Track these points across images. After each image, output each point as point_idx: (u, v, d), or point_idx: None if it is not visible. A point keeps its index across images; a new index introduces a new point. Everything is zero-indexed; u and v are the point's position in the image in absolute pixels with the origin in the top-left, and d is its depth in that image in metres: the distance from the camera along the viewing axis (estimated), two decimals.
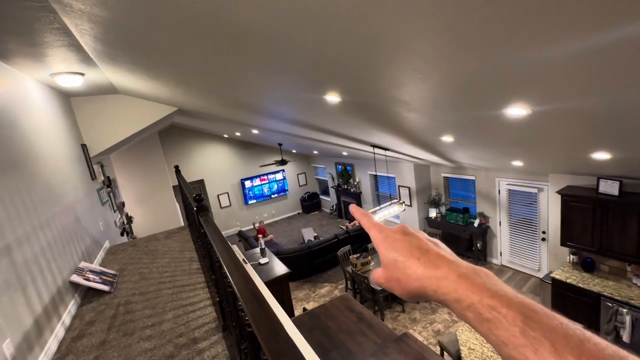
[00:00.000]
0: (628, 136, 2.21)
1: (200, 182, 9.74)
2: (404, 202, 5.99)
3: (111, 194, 5.09)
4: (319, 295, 6.08)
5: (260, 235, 7.86)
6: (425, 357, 1.92)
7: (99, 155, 4.58)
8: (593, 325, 3.72)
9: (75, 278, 2.64)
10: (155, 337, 2.03)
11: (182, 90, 3.64)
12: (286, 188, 11.31)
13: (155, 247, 3.83)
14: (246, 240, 7.40)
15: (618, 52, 1.15)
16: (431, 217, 6.92)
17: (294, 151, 10.89)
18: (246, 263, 3.66)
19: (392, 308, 5.26)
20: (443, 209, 6.86)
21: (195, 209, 2.23)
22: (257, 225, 8.72)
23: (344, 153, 7.97)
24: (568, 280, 3.99)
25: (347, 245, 6.09)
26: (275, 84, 2.66)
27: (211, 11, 1.37)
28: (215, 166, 9.89)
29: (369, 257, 5.46)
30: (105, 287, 2.76)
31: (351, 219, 9.44)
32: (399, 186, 7.45)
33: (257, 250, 4.51)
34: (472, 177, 6.16)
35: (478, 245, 6.05)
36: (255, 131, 7.06)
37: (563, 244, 4.22)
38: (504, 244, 5.89)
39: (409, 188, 7.17)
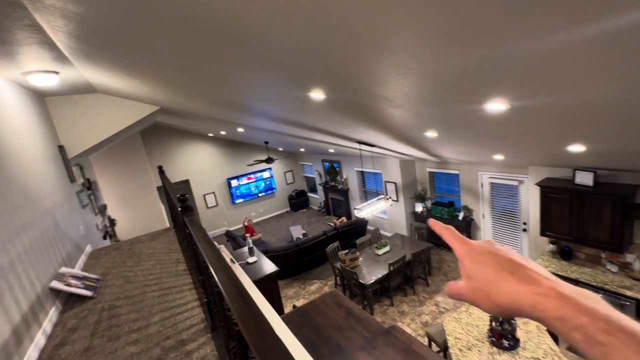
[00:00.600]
0: (602, 129, 2.31)
1: (186, 182, 9.56)
2: (390, 197, 6.07)
3: (92, 197, 4.94)
4: (309, 292, 6.10)
5: (248, 235, 7.81)
6: (412, 349, 1.97)
7: (78, 157, 4.43)
8: None
9: (56, 284, 2.55)
10: (142, 341, 1.99)
11: (164, 89, 3.56)
12: (273, 186, 11.25)
13: (140, 249, 3.74)
14: (234, 239, 7.33)
15: (591, 48, 1.20)
16: (417, 212, 7.04)
17: (280, 149, 10.83)
18: (234, 263, 3.63)
19: (381, 302, 5.34)
20: (429, 203, 6.99)
21: (179, 209, 2.19)
22: (245, 223, 8.64)
23: (331, 150, 7.99)
24: (548, 269, 4.15)
25: (336, 242, 6.12)
26: (258, 81, 2.63)
27: (190, 4, 1.35)
28: (200, 166, 9.73)
29: (357, 253, 5.51)
30: (88, 293, 2.68)
31: (339, 215, 9.50)
32: (386, 182, 7.54)
33: (246, 249, 4.48)
34: (456, 172, 6.30)
35: None
36: (240, 129, 6.98)
37: (543, 234, 4.38)
38: (487, 236, 6.06)
39: (395, 183, 7.27)
